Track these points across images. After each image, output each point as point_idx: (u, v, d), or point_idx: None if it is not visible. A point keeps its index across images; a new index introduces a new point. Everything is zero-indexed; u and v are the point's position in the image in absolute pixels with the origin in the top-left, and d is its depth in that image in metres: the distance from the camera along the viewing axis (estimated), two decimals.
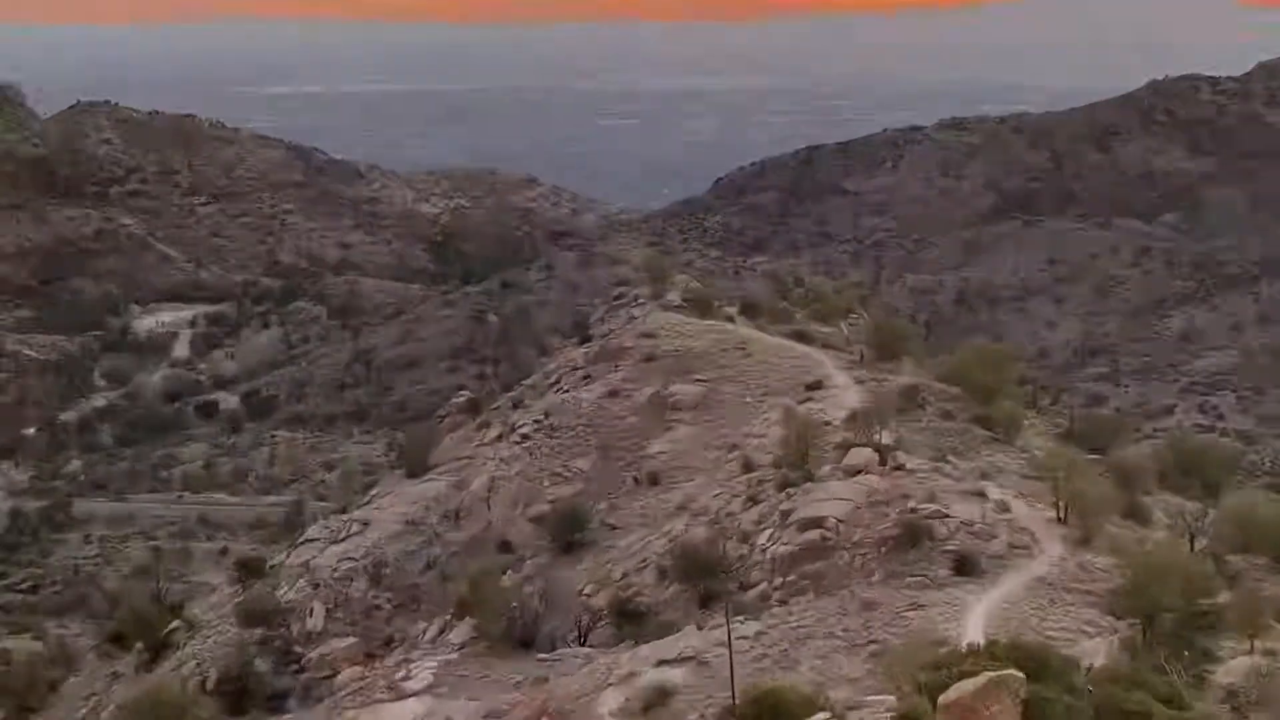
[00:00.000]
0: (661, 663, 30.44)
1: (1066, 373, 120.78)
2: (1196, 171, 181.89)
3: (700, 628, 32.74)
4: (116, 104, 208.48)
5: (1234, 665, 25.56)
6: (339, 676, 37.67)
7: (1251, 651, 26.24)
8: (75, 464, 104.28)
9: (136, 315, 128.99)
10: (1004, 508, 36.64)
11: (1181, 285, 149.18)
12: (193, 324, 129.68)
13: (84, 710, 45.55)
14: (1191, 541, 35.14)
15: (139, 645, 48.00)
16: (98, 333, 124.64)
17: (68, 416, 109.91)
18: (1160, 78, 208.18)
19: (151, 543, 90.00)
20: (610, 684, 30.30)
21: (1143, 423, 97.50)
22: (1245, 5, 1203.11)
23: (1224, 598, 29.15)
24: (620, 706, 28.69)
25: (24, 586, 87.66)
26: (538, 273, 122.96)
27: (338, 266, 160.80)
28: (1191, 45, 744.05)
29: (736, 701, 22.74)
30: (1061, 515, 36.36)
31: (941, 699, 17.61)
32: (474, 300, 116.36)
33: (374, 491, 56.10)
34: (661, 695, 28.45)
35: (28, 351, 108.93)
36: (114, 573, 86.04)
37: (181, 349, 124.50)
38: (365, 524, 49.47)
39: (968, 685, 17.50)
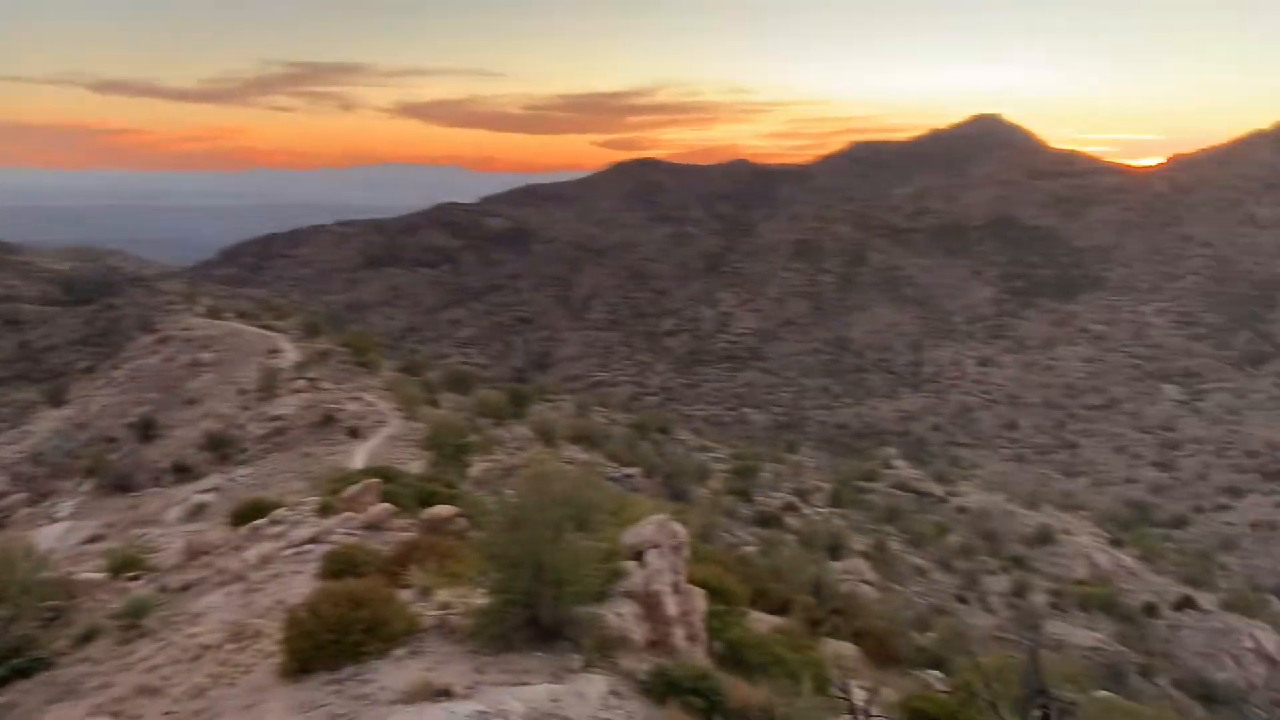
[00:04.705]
0: (200, 491, 39.12)
1: (398, 341, 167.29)
2: None
3: (220, 473, 42.48)
4: None
5: (478, 468, 36.61)
6: (16, 514, 45.52)
7: (488, 461, 38.36)
8: None
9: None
10: (372, 404, 49.46)
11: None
12: None
13: None
14: (461, 414, 50.77)
15: None
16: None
17: None
18: None
19: None
20: (174, 504, 38.23)
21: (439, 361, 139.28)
22: None
23: (473, 436, 42.34)
24: (179, 514, 36.39)
25: None
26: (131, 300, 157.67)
27: None
28: None
29: (238, 508, 26.91)
30: (400, 406, 49.43)
31: (342, 494, 23.84)
32: (91, 313, 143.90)
33: (35, 415, 67.37)
34: (200, 507, 36.18)
35: None
36: None
37: None
38: (30, 432, 61.36)
39: (355, 487, 23.85)
